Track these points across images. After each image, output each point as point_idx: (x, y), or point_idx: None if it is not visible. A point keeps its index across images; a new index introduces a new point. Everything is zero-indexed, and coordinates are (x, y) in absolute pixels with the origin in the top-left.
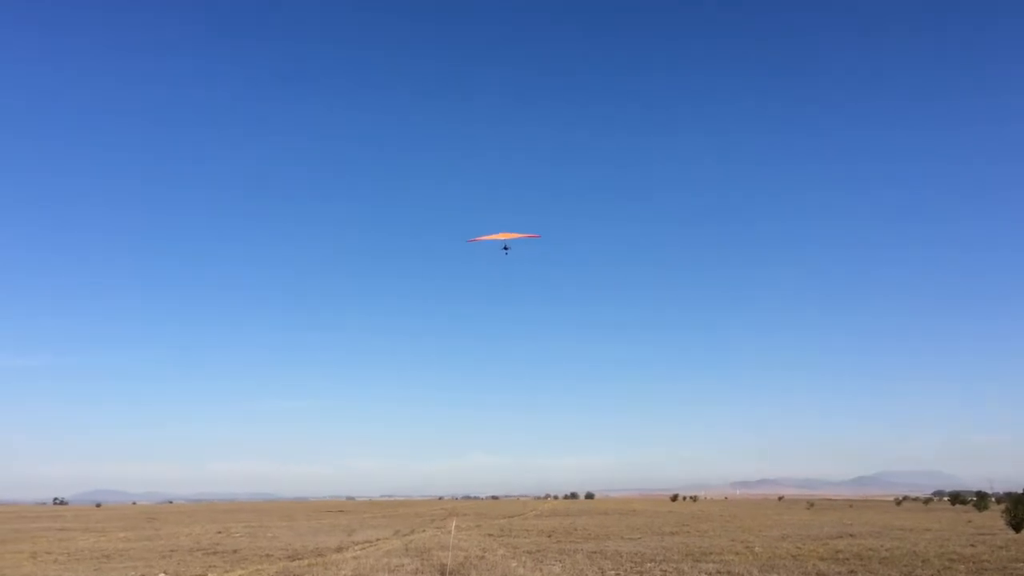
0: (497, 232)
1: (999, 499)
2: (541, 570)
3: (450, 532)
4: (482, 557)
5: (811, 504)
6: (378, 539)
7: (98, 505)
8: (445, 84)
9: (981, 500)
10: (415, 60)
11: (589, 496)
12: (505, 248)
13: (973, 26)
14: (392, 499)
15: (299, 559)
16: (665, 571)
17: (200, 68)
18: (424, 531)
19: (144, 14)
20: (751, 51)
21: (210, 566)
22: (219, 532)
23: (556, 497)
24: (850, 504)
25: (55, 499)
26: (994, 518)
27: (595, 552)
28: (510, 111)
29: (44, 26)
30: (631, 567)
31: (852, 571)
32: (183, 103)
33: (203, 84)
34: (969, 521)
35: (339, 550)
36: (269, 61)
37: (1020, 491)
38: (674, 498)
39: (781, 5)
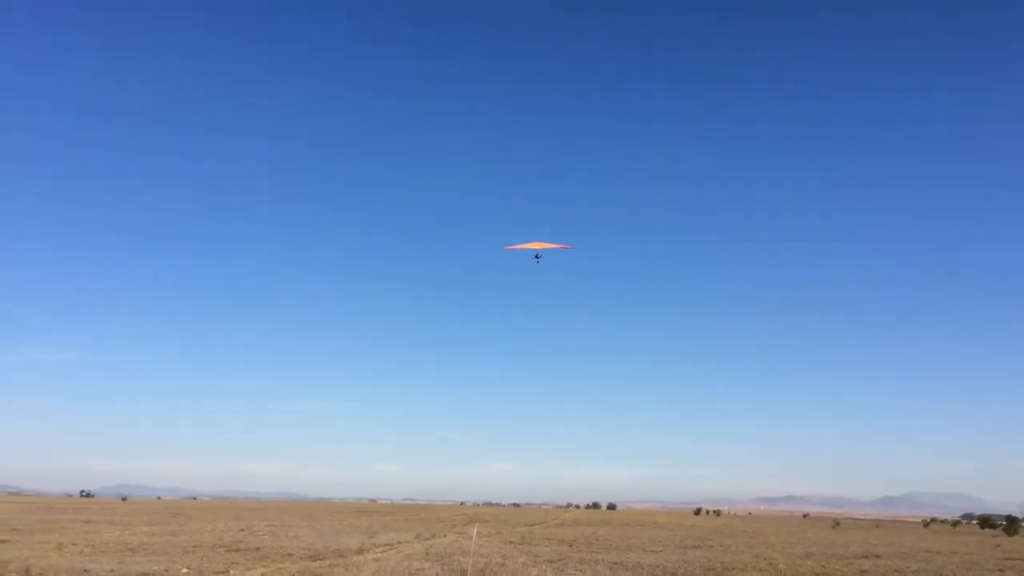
0: (532, 241)
1: None
2: None
3: (471, 538)
4: (502, 564)
5: (836, 523)
6: (399, 542)
7: (124, 499)
8: (484, 94)
9: (1011, 525)
10: (457, 70)
11: (611, 507)
12: (537, 257)
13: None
14: (414, 503)
15: (320, 559)
16: None
17: (232, 72)
18: (445, 536)
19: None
20: (778, 69)
21: (232, 563)
22: (242, 530)
23: (578, 507)
24: (876, 524)
25: (82, 492)
26: None
27: (616, 563)
28: (549, 122)
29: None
30: None
31: None
32: (215, 107)
33: (238, 88)
34: (998, 546)
35: (360, 552)
36: (299, 66)
37: None
38: (697, 512)
39: (802, 20)
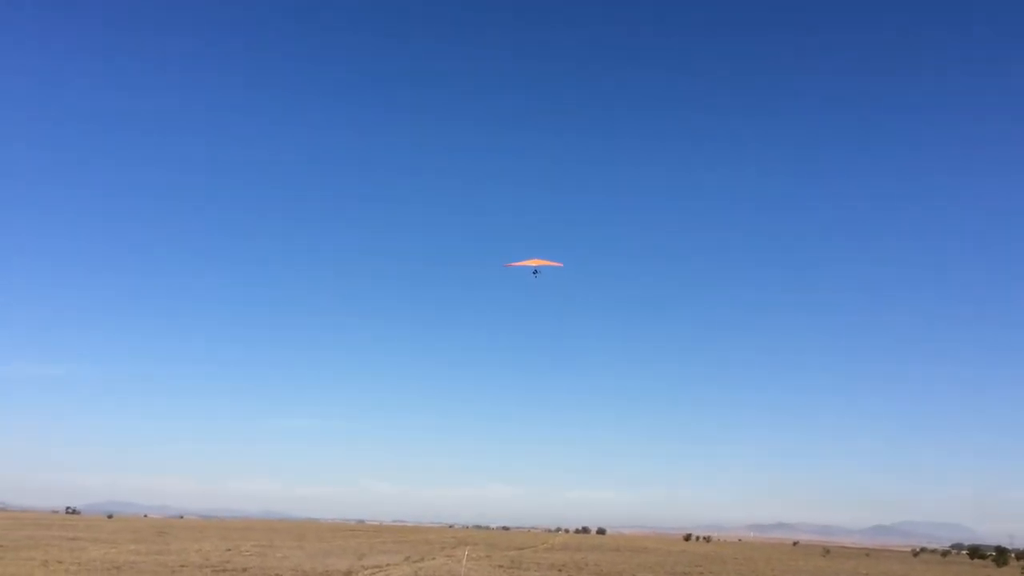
0: (530, 258)
1: (1019, 555)
2: None
3: (461, 561)
4: None
5: (827, 551)
6: (388, 564)
7: (110, 516)
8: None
9: (1001, 555)
10: (451, 86)
11: (600, 531)
12: (535, 272)
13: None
14: (403, 524)
15: None
16: None
17: (220, 85)
18: (434, 558)
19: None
20: (773, 83)
21: None
22: (229, 549)
23: (567, 531)
24: (867, 553)
25: (67, 508)
26: (1013, 574)
27: None
28: (539, 142)
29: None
30: None
31: None
32: (205, 118)
33: (225, 100)
34: None
35: (349, 574)
36: (291, 76)
37: None
38: (687, 538)
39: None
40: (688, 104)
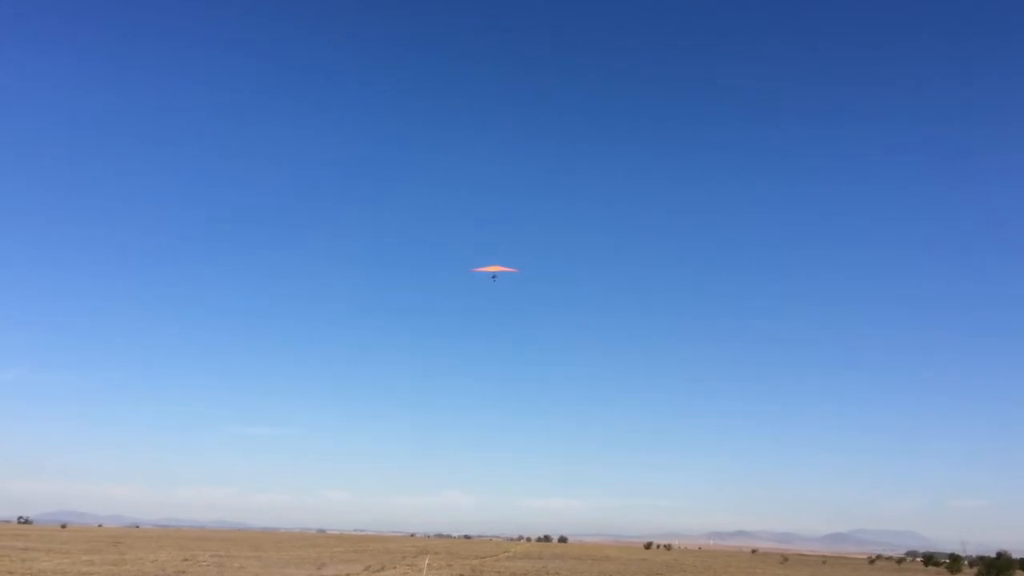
0: (492, 264)
1: (972, 562)
2: None
3: (422, 570)
4: None
5: (785, 558)
6: (348, 574)
7: (63, 526)
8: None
9: (954, 562)
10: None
11: (562, 540)
12: (493, 277)
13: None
14: (363, 533)
15: None
16: None
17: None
18: (395, 568)
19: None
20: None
21: None
22: (186, 560)
23: (529, 539)
24: (823, 560)
25: (19, 518)
26: None
27: None
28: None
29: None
30: None
31: None
32: (175, 130)
33: (192, 117)
34: None
35: None
36: (255, 84)
37: (994, 555)
38: (648, 546)
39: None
40: (659, 112)
